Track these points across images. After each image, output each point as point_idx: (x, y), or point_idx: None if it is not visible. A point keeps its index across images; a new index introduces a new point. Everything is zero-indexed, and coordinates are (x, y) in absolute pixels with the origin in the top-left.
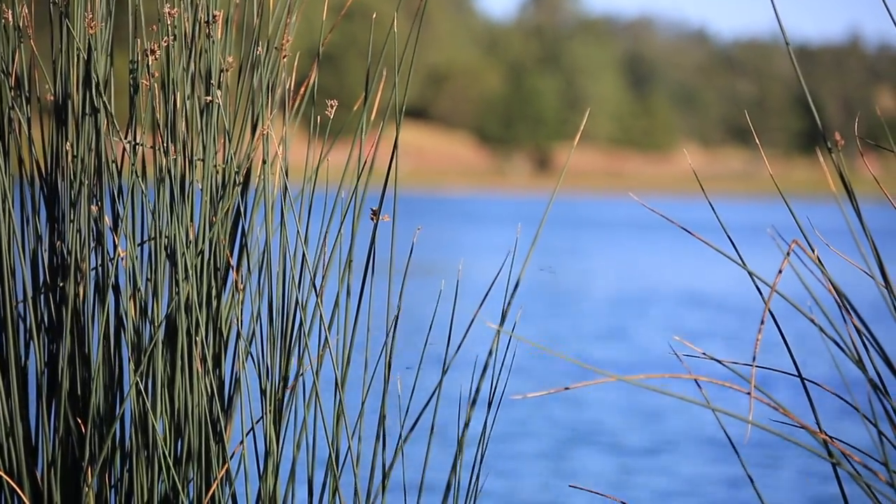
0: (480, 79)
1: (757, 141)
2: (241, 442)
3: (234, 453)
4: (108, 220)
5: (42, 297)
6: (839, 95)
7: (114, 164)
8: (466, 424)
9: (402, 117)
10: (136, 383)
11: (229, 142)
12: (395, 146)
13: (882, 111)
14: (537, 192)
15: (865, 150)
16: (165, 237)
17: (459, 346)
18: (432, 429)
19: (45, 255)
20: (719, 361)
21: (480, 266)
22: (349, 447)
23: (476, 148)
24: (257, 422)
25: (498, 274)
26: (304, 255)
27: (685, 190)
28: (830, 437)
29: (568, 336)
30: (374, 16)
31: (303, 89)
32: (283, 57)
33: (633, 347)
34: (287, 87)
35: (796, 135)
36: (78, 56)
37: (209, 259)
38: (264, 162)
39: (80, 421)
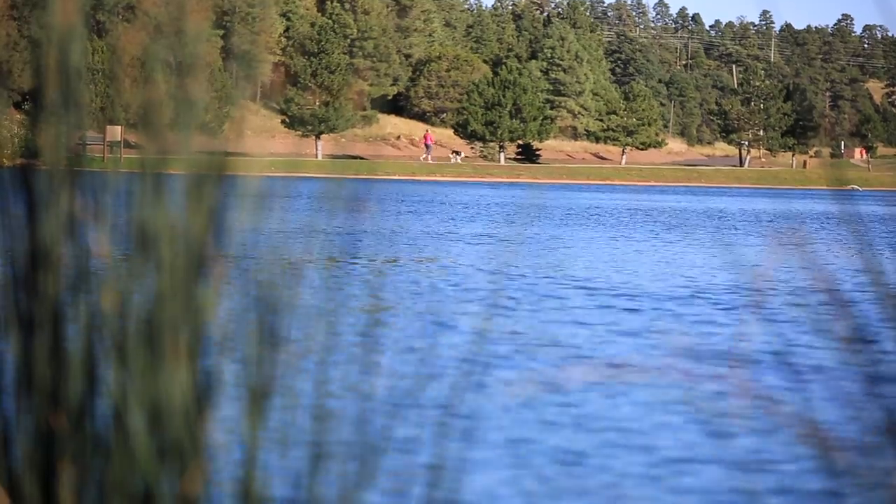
0: (464, 67)
1: (742, 131)
2: (220, 438)
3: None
4: (85, 211)
5: (18, 289)
6: (826, 79)
7: (91, 155)
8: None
9: (385, 108)
10: (114, 377)
11: (209, 132)
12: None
13: (868, 96)
14: (521, 181)
15: (853, 138)
16: (144, 229)
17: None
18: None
19: (21, 247)
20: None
21: (458, 256)
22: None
23: (459, 138)
24: (236, 418)
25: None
26: (284, 248)
27: (670, 179)
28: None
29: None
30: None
31: (283, 78)
32: (265, 46)
33: (623, 339)
34: (267, 76)
35: (783, 122)
36: (55, 43)
37: (189, 251)
38: (244, 154)
39: (56, 415)
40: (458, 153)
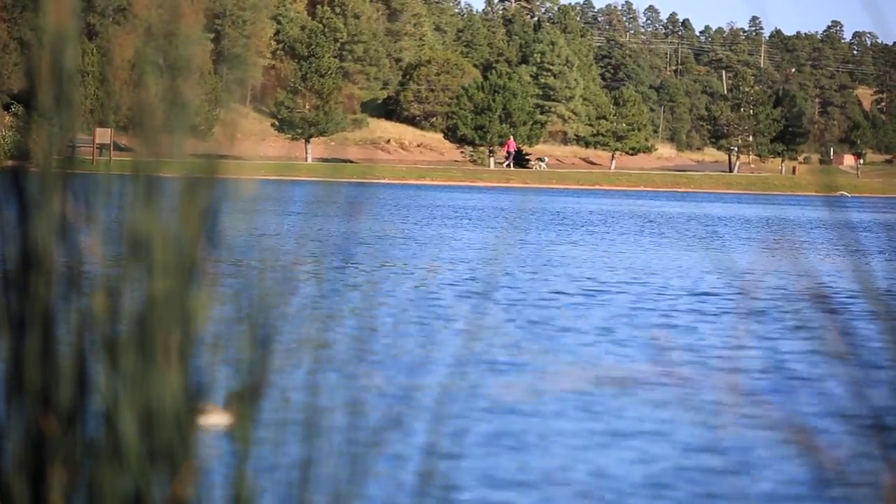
0: (454, 71)
1: (732, 136)
2: (211, 441)
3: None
4: (77, 214)
5: (9, 291)
6: (815, 86)
7: (83, 157)
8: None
9: (376, 111)
10: (105, 380)
11: (199, 135)
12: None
13: (858, 103)
14: (511, 186)
15: (842, 144)
16: (136, 232)
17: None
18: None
19: (13, 249)
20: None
21: (447, 263)
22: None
23: (449, 142)
24: (227, 422)
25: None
26: (275, 251)
27: (660, 184)
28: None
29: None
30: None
31: (274, 82)
32: (256, 49)
33: (615, 344)
34: (258, 79)
35: (772, 128)
36: (46, 45)
37: (180, 254)
38: (236, 157)
39: (46, 418)
40: (542, 160)
